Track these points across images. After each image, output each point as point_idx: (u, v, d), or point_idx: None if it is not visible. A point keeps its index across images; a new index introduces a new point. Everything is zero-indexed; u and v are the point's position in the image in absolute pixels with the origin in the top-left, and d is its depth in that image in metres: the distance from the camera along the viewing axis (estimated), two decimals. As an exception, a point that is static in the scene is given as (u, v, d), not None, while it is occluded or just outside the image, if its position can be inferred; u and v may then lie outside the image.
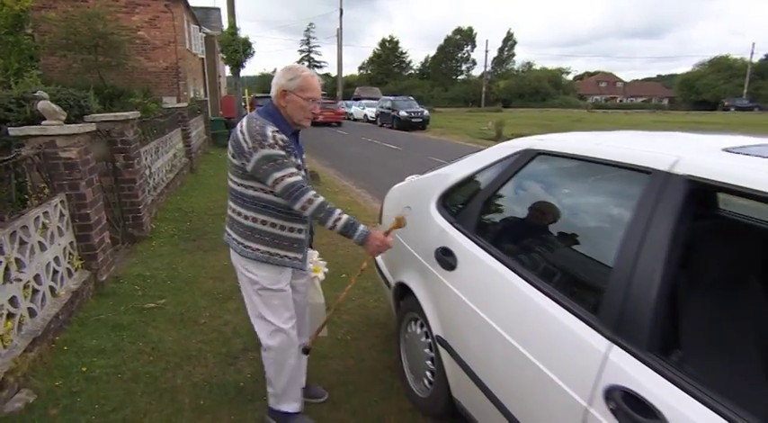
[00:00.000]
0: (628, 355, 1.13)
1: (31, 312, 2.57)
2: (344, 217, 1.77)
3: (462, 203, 2.03)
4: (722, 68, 52.99)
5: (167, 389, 2.35)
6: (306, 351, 2.14)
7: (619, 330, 1.18)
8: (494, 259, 1.69)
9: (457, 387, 1.88)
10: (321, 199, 1.74)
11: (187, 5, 13.81)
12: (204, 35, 17.63)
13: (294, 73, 1.76)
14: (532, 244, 1.73)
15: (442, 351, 1.92)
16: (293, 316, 1.96)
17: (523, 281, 1.53)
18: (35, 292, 2.63)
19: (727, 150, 1.25)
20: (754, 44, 69.89)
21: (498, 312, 1.59)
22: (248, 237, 1.83)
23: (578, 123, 24.70)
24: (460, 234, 1.90)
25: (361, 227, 1.79)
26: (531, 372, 1.37)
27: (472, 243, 1.82)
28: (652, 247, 1.17)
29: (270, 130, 1.70)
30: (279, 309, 1.90)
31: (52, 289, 2.83)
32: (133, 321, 3.02)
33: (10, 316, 2.35)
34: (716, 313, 1.32)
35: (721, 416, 0.94)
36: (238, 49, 13.35)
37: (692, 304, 1.29)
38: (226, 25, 14.01)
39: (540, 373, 1.33)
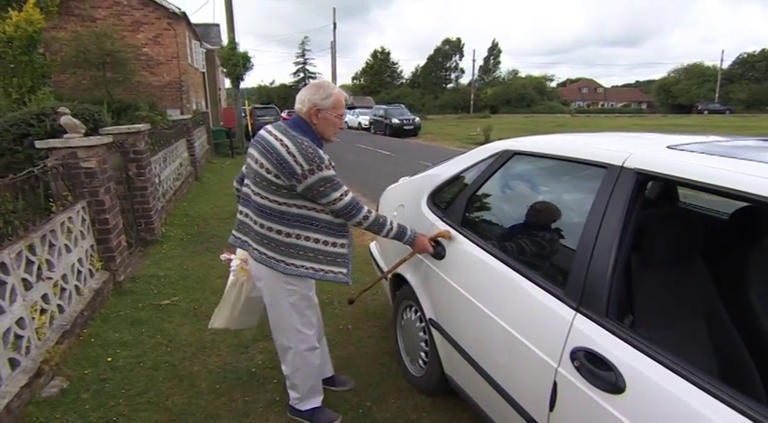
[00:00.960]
0: (589, 321, 1.29)
1: (60, 308, 2.69)
2: (395, 225, 1.91)
3: (449, 200, 2.19)
4: (695, 74, 53.94)
5: (186, 375, 2.47)
6: (351, 302, 2.65)
7: (582, 301, 1.33)
8: (477, 247, 1.85)
9: (448, 364, 2.02)
10: (374, 214, 1.85)
11: (188, 23, 13.95)
12: (205, 50, 17.77)
13: (327, 91, 1.75)
14: (511, 233, 1.88)
15: (435, 332, 2.06)
16: (316, 322, 2.03)
17: (504, 265, 1.68)
18: (63, 290, 2.75)
19: (670, 147, 1.41)
20: (723, 51, 72.19)
21: (482, 293, 1.74)
22: (291, 254, 1.78)
23: (562, 128, 24.94)
24: (448, 227, 2.06)
25: (410, 231, 1.96)
26: (511, 342, 1.52)
27: (459, 234, 1.98)
28: (609, 230, 1.33)
29: (320, 152, 1.70)
30: (310, 318, 1.94)
31: (77, 287, 2.95)
32: (150, 317, 3.14)
33: (43, 311, 2.48)
34: (664, 286, 1.47)
35: (663, 365, 1.10)
36: (238, 63, 13.52)
37: (645, 279, 1.45)
38: (225, 40, 14.18)
39: (518, 343, 1.48)
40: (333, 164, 1.75)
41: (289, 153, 1.65)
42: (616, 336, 1.21)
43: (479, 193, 2.04)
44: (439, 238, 2.05)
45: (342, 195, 1.73)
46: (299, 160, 1.64)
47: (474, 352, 1.77)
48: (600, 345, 1.23)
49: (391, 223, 1.90)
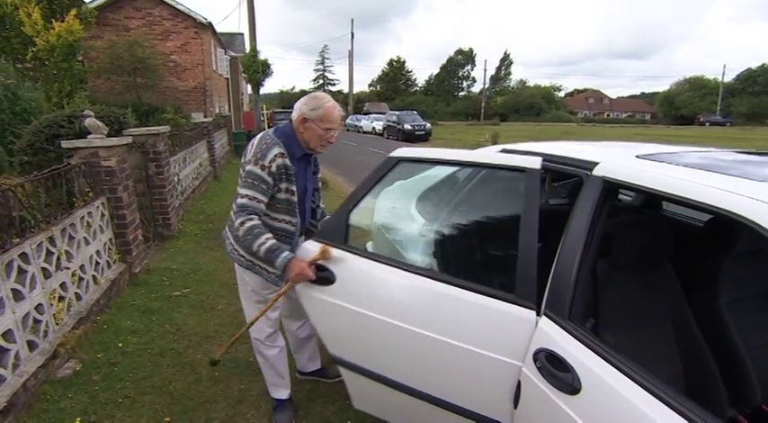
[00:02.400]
0: (552, 323, 1.27)
1: (78, 296, 2.76)
2: (269, 243, 1.63)
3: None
4: (697, 87, 52.80)
5: (189, 362, 2.51)
6: (213, 363, 1.97)
7: (546, 304, 1.30)
8: (395, 269, 1.55)
9: (361, 398, 1.75)
10: (251, 223, 1.63)
11: (214, 32, 14.17)
12: (229, 57, 18.02)
13: (317, 103, 1.71)
14: (435, 244, 1.73)
15: (342, 369, 1.74)
16: (277, 317, 1.97)
17: (434, 281, 1.46)
18: (81, 279, 2.82)
19: (638, 157, 1.39)
20: (725, 66, 70.92)
21: (408, 314, 1.48)
22: (242, 245, 1.80)
23: (568, 135, 24.59)
24: (327, 246, 1.66)
25: (284, 254, 1.62)
26: (462, 355, 1.36)
27: (353, 254, 1.64)
28: (575, 235, 1.30)
29: (273, 153, 1.66)
30: (265, 312, 1.84)
31: (94, 278, 3.02)
32: (161, 307, 3.20)
33: (61, 298, 2.55)
34: (633, 291, 1.45)
35: (617, 369, 1.08)
36: (258, 70, 13.69)
37: (612, 283, 1.42)
38: (248, 48, 14.37)
39: (472, 354, 1.34)
40: (275, 169, 1.67)
41: (251, 144, 1.76)
42: (576, 338, 1.19)
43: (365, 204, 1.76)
44: (321, 262, 1.63)
45: (245, 196, 1.66)
46: (253, 149, 1.72)
47: (406, 377, 1.54)
48: (560, 346, 1.21)
49: (266, 240, 1.63)
